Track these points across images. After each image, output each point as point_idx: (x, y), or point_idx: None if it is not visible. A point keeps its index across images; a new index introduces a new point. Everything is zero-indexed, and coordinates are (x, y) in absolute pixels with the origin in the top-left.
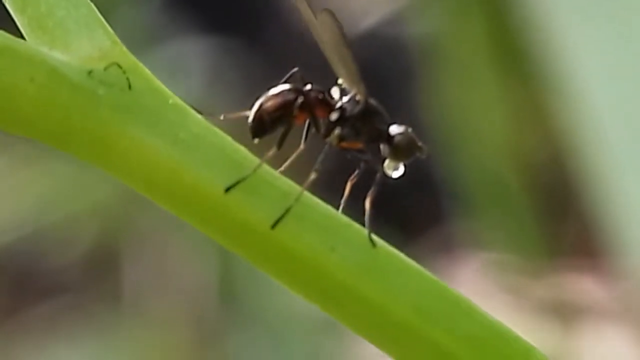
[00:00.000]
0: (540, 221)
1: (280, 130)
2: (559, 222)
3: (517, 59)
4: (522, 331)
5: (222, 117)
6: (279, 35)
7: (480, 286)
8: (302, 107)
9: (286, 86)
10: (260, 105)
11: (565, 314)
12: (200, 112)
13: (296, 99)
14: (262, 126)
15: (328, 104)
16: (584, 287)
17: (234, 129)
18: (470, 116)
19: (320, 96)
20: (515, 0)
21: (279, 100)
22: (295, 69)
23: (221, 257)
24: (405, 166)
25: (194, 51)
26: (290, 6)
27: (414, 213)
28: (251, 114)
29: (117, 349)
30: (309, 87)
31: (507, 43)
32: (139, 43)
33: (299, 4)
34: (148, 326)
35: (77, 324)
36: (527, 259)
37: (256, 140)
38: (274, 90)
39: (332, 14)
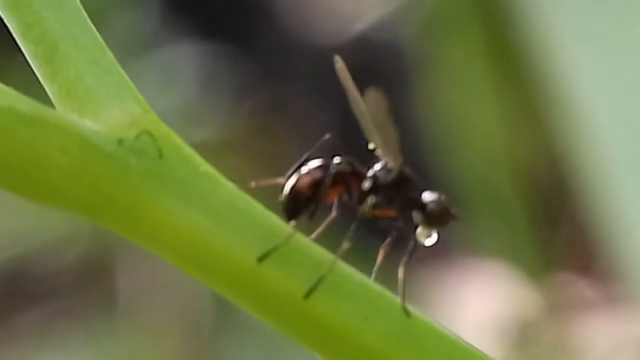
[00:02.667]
0: (535, 226)
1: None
2: (553, 228)
3: (512, 64)
4: (514, 346)
5: (253, 185)
6: (273, 40)
7: (474, 292)
8: (335, 182)
9: (316, 163)
10: (292, 189)
11: (561, 317)
12: (232, 180)
13: (327, 176)
14: (297, 209)
15: (359, 174)
16: (578, 292)
17: (264, 196)
18: (465, 121)
19: (351, 168)
20: (510, 4)
21: (309, 180)
22: (327, 137)
23: None
24: (438, 234)
25: (187, 56)
26: (283, 12)
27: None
28: (283, 198)
29: (110, 356)
30: (338, 160)
31: (502, 47)
32: (133, 49)
33: (342, 77)
34: (142, 333)
35: (70, 330)
36: (521, 264)
37: (293, 223)
38: (304, 170)
39: (380, 94)
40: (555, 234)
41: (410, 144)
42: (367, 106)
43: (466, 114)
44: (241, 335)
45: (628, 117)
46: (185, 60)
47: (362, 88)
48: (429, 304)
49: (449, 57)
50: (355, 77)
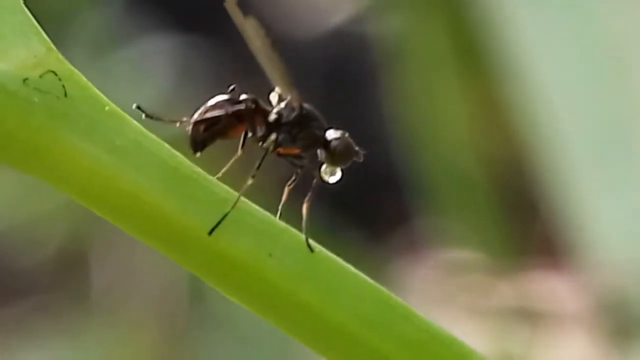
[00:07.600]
0: (504, 218)
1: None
2: (522, 219)
3: (480, 57)
4: (484, 332)
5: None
6: None
7: (444, 285)
8: (238, 117)
9: (220, 98)
10: (195, 122)
11: (529, 313)
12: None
13: (231, 109)
14: (201, 140)
15: (263, 111)
16: (547, 285)
17: (173, 135)
18: (434, 113)
19: (254, 104)
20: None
21: (213, 113)
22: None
23: None
24: (342, 171)
25: (161, 49)
26: (259, 4)
27: (379, 211)
28: (189, 129)
29: (86, 349)
30: (243, 96)
31: (469, 41)
32: (105, 42)
33: (231, 11)
34: (117, 326)
35: (46, 325)
36: (491, 256)
37: (197, 154)
38: (208, 104)
39: (255, 21)
40: (525, 224)
41: (382, 135)
42: (249, 40)
43: (436, 106)
44: (216, 328)
45: (592, 107)
46: (159, 53)
47: (335, 81)
48: (399, 294)
49: (419, 51)
50: (331, 70)
